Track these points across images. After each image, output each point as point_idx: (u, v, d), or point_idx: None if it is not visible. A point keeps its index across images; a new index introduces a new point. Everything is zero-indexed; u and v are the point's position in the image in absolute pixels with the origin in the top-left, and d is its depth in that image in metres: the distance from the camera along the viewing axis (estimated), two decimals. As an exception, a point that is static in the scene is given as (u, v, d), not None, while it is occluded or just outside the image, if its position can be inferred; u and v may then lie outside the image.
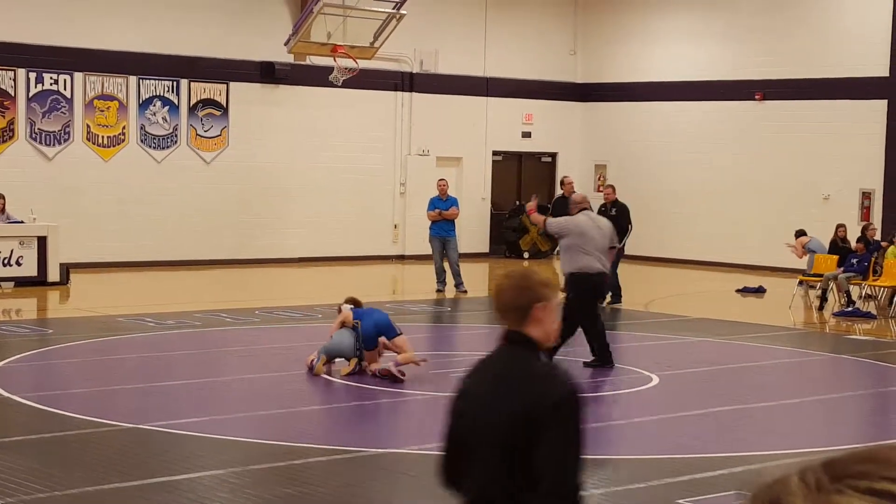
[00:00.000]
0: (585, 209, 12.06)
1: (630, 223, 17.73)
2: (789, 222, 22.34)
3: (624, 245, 18.03)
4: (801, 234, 19.49)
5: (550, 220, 12.41)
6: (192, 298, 17.33)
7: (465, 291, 18.28)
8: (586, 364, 11.78)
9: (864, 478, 0.97)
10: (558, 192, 21.99)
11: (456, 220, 18.90)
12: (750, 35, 23.50)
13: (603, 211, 17.74)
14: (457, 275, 18.35)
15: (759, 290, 19.84)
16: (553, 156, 26.32)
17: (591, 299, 11.86)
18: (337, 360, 11.50)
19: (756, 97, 23.34)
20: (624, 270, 22.08)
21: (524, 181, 25.66)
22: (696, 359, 13.22)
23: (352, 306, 11.85)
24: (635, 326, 15.58)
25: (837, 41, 22.36)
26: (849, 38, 22.21)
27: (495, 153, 25.43)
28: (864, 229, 18.87)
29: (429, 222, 19.01)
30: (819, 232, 19.89)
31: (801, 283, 18.68)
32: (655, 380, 11.54)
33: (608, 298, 17.31)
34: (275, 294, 18.34)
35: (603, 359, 11.83)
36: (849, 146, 22.20)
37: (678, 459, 8.49)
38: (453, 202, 19.00)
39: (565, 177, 20.09)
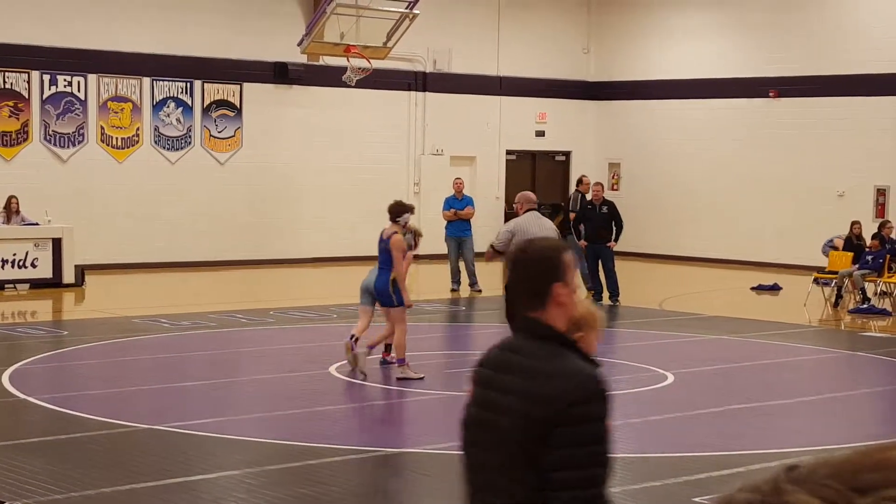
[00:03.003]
0: (533, 209, 11.60)
1: (622, 221, 17.63)
2: (804, 219, 22.29)
3: (614, 242, 18.02)
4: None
5: (495, 241, 11.67)
6: (206, 299, 17.37)
7: (480, 291, 18.26)
8: None
9: (888, 486, 0.93)
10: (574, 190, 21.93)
11: (471, 220, 18.90)
12: (764, 32, 23.43)
13: (591, 209, 17.67)
14: (472, 274, 18.35)
15: (774, 288, 19.79)
16: (567, 154, 26.29)
17: None
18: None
19: (770, 94, 23.26)
20: (638, 268, 22.07)
21: (538, 180, 25.63)
22: (710, 357, 13.18)
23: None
24: (650, 325, 15.55)
25: (851, 37, 22.27)
26: (863, 34, 22.11)
27: (509, 152, 25.41)
28: (882, 226, 18.78)
29: (444, 222, 19.00)
30: (834, 229, 19.82)
31: (815, 280, 18.62)
32: (671, 378, 11.52)
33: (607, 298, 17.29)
34: (289, 294, 18.37)
35: None
36: (863, 143, 22.11)
37: (694, 458, 8.47)
38: (469, 201, 18.99)
39: (583, 176, 19.96)
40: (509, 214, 25.29)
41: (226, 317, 15.17)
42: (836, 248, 18.89)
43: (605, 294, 17.45)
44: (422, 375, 11.06)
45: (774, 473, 0.99)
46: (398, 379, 11.06)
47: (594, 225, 17.52)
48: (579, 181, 19.37)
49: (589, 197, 18.17)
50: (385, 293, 10.97)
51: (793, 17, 23.03)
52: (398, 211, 11.21)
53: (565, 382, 3.07)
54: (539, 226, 11.36)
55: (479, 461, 3.27)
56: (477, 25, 24.53)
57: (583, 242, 17.76)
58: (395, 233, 11.09)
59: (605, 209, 17.55)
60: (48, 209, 18.67)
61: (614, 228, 17.48)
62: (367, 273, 11.59)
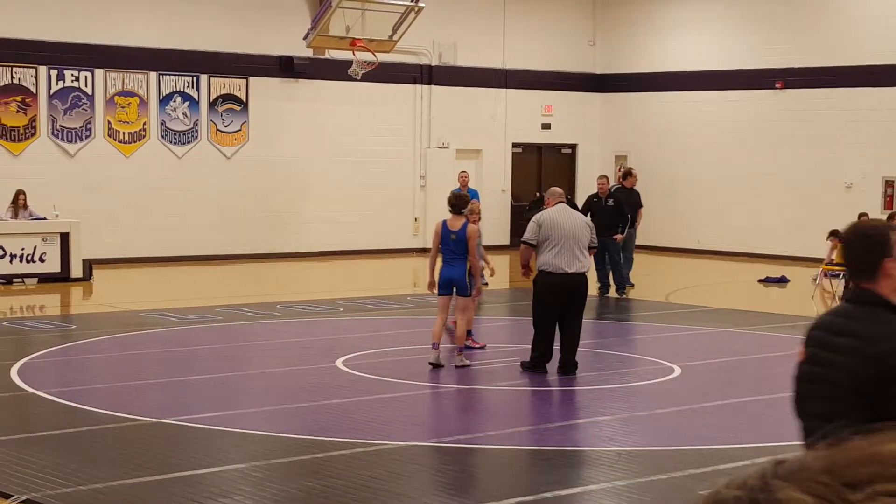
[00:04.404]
0: (561, 202, 11.23)
1: (630, 212, 17.61)
2: (811, 211, 22.24)
3: (627, 234, 17.85)
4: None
5: (527, 236, 11.23)
6: (213, 293, 17.40)
7: (486, 284, 18.24)
8: (523, 365, 11.25)
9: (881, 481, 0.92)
10: (615, 184, 21.83)
11: (476, 213, 18.86)
12: (770, 23, 23.37)
13: (596, 202, 17.65)
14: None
15: (782, 280, 19.76)
16: (573, 147, 26.26)
17: (543, 302, 10.97)
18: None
19: (777, 86, 23.20)
20: (645, 261, 22.05)
21: (544, 173, 25.62)
22: (718, 349, 13.18)
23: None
24: (656, 317, 15.54)
25: (858, 28, 22.20)
26: (869, 25, 22.04)
27: (515, 145, 25.39)
28: (890, 218, 18.73)
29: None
30: (842, 221, 19.73)
31: (824, 273, 18.59)
32: (677, 371, 11.52)
33: (613, 290, 17.32)
34: (296, 288, 18.40)
35: (534, 363, 11.13)
36: (871, 134, 22.06)
37: (700, 451, 8.47)
38: (474, 195, 18.94)
39: (631, 168, 19.81)
40: (515, 207, 25.32)
41: (232, 310, 15.20)
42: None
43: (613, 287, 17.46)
44: (468, 363, 11.48)
45: (763, 468, 0.97)
46: (459, 367, 11.34)
47: (600, 218, 17.51)
48: (628, 173, 19.04)
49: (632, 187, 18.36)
50: (465, 283, 11.36)
51: (799, 7, 22.96)
52: (462, 203, 11.65)
53: (892, 344, 3.61)
54: (567, 216, 11.15)
55: (811, 411, 3.83)
56: (482, 18, 24.50)
57: None
58: (468, 223, 11.49)
59: (610, 202, 17.54)
60: (56, 204, 18.71)
61: (623, 220, 17.50)
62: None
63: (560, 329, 11.06)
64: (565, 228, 10.94)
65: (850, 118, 22.32)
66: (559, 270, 10.86)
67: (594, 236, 11.35)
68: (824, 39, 22.64)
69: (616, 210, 17.48)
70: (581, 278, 11.00)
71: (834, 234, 18.74)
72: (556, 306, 10.93)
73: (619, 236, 17.42)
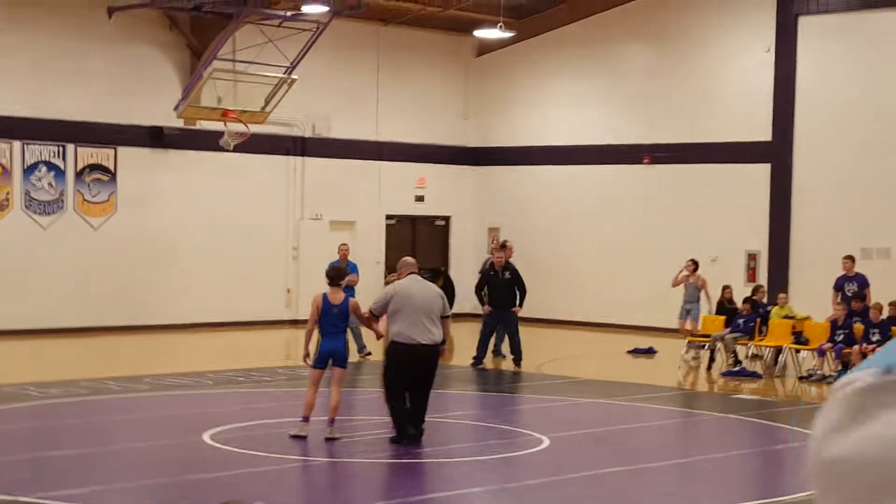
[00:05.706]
0: (413, 273, 11.32)
1: (524, 284, 17.84)
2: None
3: (519, 307, 18.02)
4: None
5: (373, 305, 11.38)
6: (78, 367, 16.87)
7: (370, 353, 18.14)
8: (392, 439, 11.20)
9: None
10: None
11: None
12: (638, 100, 24.07)
13: (493, 275, 17.83)
14: (359, 337, 18.23)
15: (650, 351, 20.13)
16: (446, 219, 26.47)
17: (395, 373, 11.08)
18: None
19: (644, 161, 23.84)
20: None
21: (418, 244, 25.72)
22: (586, 420, 13.30)
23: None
24: (527, 388, 15.64)
25: (722, 106, 23.02)
26: (733, 104, 22.88)
27: (389, 217, 25.47)
28: (755, 291, 19.29)
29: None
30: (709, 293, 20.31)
31: (689, 343, 19.04)
32: (546, 442, 11.57)
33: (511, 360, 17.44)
34: (165, 361, 17.97)
35: (400, 436, 11.12)
36: (735, 209, 22.77)
37: (569, 521, 8.49)
38: (353, 268, 18.87)
39: (506, 240, 19.89)
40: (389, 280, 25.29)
41: (97, 384, 14.75)
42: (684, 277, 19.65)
43: (491, 358, 17.52)
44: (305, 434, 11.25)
45: None
46: (329, 439, 11.12)
47: (498, 291, 17.67)
48: (503, 245, 19.16)
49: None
50: (344, 354, 11.38)
51: (665, 86, 23.72)
52: (340, 276, 11.74)
53: None
54: (420, 287, 11.23)
55: None
56: (356, 91, 24.65)
57: (486, 308, 17.84)
58: (349, 297, 11.68)
59: (507, 274, 17.72)
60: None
61: (517, 293, 17.66)
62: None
63: (409, 398, 11.11)
64: (417, 299, 11.03)
65: (715, 193, 23.03)
66: (412, 341, 10.94)
67: (447, 305, 11.40)
68: (690, 117, 23.40)
69: (513, 282, 17.67)
70: (433, 349, 11.10)
71: (693, 261, 19.66)
72: (407, 376, 11.03)
73: (516, 308, 17.59)
